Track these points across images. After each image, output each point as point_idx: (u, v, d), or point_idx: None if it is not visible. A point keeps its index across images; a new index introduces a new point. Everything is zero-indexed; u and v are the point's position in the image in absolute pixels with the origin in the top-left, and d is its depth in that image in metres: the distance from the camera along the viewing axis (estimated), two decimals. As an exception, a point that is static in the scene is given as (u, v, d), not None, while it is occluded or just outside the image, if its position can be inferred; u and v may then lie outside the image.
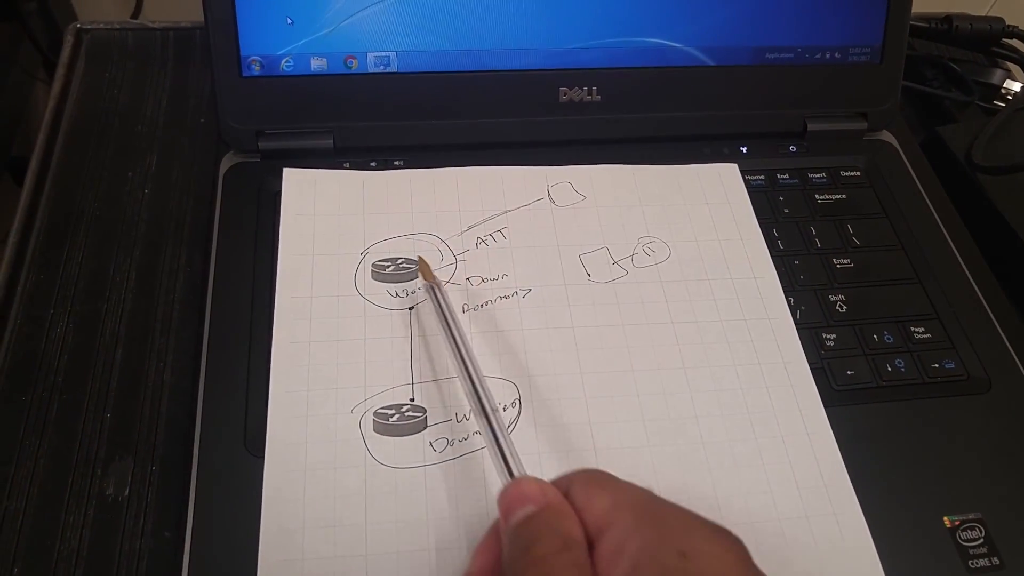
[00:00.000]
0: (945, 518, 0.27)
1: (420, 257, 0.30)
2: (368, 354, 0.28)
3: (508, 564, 0.19)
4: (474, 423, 0.27)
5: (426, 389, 0.28)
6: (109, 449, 0.29)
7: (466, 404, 0.28)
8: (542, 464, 0.27)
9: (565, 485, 0.20)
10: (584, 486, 0.19)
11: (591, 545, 0.18)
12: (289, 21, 0.33)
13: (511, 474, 0.22)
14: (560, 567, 0.18)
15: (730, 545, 0.18)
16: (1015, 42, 0.45)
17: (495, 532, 0.21)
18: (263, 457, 0.26)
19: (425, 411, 0.27)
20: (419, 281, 0.30)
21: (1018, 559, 0.27)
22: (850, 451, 0.28)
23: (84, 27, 0.43)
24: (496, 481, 0.26)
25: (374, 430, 0.27)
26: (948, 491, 0.28)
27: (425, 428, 0.27)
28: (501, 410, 0.26)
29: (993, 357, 0.32)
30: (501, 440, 0.23)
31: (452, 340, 0.26)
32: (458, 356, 0.26)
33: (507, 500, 0.20)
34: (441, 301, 0.27)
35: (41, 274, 0.33)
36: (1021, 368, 0.32)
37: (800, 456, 0.28)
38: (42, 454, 0.29)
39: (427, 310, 0.30)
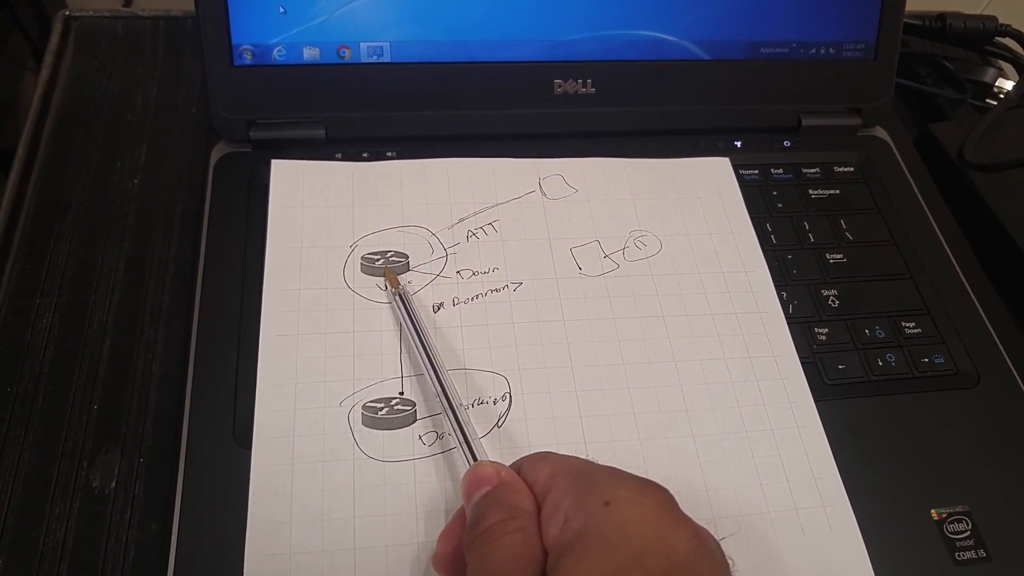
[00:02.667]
0: (933, 510, 0.28)
1: (387, 269, 0.30)
2: (357, 347, 0.28)
3: (466, 539, 0.21)
4: (464, 417, 0.27)
5: (416, 383, 0.28)
6: (96, 441, 0.29)
7: (456, 397, 0.28)
8: (532, 457, 0.27)
9: (518, 465, 0.22)
10: (531, 462, 0.22)
11: (540, 511, 0.20)
12: (282, 10, 0.33)
13: (476, 458, 0.24)
14: (505, 532, 0.19)
15: (652, 492, 0.20)
16: (1008, 41, 0.45)
17: (459, 516, 0.22)
18: (251, 449, 0.26)
19: (414, 404, 0.27)
20: (407, 275, 0.30)
21: (1004, 551, 0.27)
22: (841, 444, 0.28)
23: (73, 15, 0.42)
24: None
25: (363, 423, 0.27)
26: (936, 484, 0.28)
27: (414, 421, 0.27)
28: (465, 405, 0.27)
29: (982, 352, 0.32)
30: (465, 430, 0.25)
31: (417, 340, 0.27)
32: (422, 354, 0.27)
33: (467, 483, 0.22)
34: (405, 307, 0.28)
35: (27, 264, 0.33)
36: (1009, 363, 0.32)
37: (790, 449, 0.28)
38: (27, 446, 0.28)
39: (416, 303, 0.30)
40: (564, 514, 0.19)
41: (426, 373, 0.27)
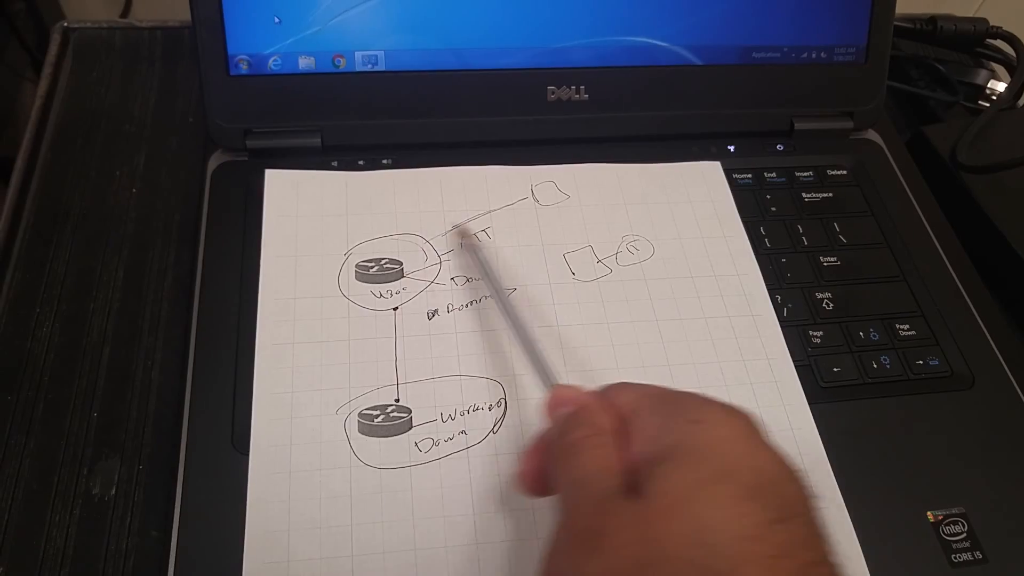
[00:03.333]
0: (928, 513, 0.28)
1: (460, 228, 0.32)
2: (352, 355, 0.28)
3: (551, 456, 0.21)
4: (459, 423, 0.27)
5: (411, 389, 0.28)
6: (96, 448, 0.29)
7: (451, 403, 0.28)
8: (528, 462, 0.27)
9: (599, 391, 0.23)
10: (614, 388, 0.22)
11: (622, 433, 0.21)
12: (277, 20, 0.33)
13: (553, 382, 0.25)
14: (587, 446, 0.20)
15: (740, 415, 0.20)
16: (999, 43, 0.46)
17: (542, 438, 0.23)
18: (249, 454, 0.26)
19: (410, 411, 0.27)
20: (401, 282, 0.30)
21: (1000, 553, 0.27)
22: (836, 447, 0.28)
23: (71, 26, 0.42)
24: (481, 480, 0.26)
25: (359, 431, 0.27)
26: (931, 486, 0.28)
27: (410, 428, 0.27)
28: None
29: (976, 354, 0.32)
30: (539, 357, 0.26)
31: (489, 278, 0.29)
32: (498, 296, 0.29)
33: (548, 404, 0.23)
34: (478, 256, 0.30)
35: (28, 273, 0.33)
36: (1004, 364, 0.32)
37: (785, 450, 0.28)
38: (28, 453, 0.29)
39: (411, 310, 0.30)
40: (651, 432, 0.20)
41: (499, 308, 0.29)
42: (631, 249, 0.33)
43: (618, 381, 0.23)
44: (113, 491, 0.28)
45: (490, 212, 0.33)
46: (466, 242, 0.31)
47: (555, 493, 0.21)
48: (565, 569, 0.18)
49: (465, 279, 0.31)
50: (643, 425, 0.20)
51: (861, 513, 0.27)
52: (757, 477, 0.18)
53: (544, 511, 0.26)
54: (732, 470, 0.18)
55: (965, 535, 0.27)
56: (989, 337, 0.33)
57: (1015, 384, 0.31)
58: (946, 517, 0.28)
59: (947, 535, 0.27)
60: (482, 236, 0.32)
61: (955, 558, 0.27)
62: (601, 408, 0.21)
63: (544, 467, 0.22)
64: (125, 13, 0.55)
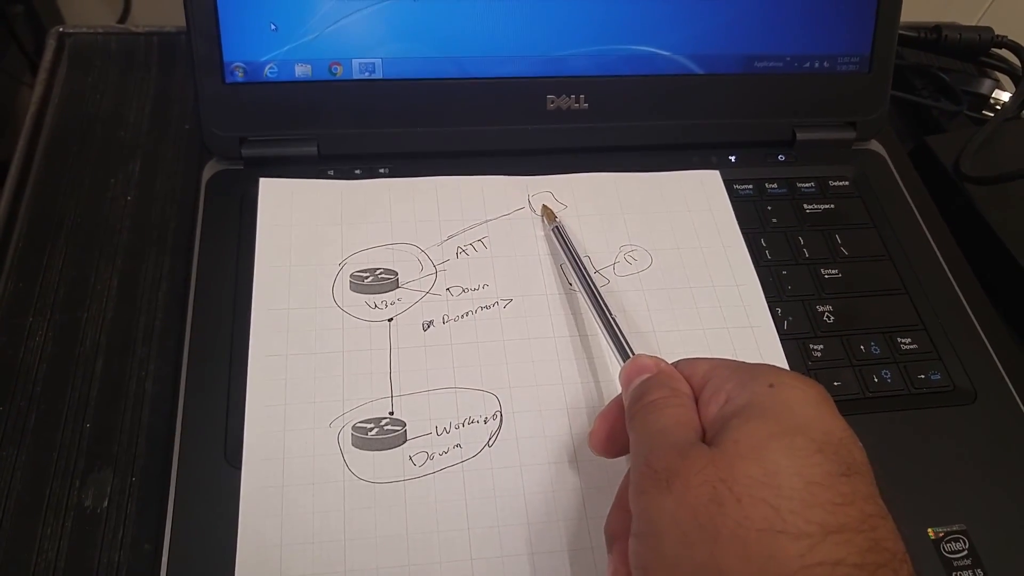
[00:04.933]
0: (929, 529, 0.27)
1: (544, 206, 0.33)
2: (346, 367, 0.28)
3: (627, 414, 0.23)
4: (454, 436, 0.27)
5: (406, 402, 0.28)
6: (88, 460, 0.29)
7: (446, 417, 0.27)
8: (523, 476, 0.27)
9: (673, 364, 0.24)
10: (688, 360, 0.23)
11: (696, 399, 0.22)
12: (273, 27, 0.33)
13: (629, 353, 0.26)
14: (666, 406, 0.21)
15: (813, 383, 0.21)
16: (1004, 52, 0.45)
17: (616, 402, 0.25)
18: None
19: (404, 425, 0.27)
20: (396, 292, 0.30)
21: (1001, 571, 0.27)
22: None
23: (67, 31, 0.42)
24: (476, 494, 0.26)
25: (352, 444, 0.27)
26: (932, 502, 0.28)
27: (404, 442, 0.27)
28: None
29: (979, 368, 0.32)
30: (617, 331, 0.27)
31: (576, 265, 0.30)
32: (582, 278, 0.30)
33: (627, 371, 0.24)
34: (563, 239, 0.31)
35: (20, 282, 0.33)
36: (1007, 379, 0.32)
37: None
38: (19, 465, 0.28)
39: (406, 321, 0.30)
40: (726, 394, 0.21)
41: (577, 286, 0.30)
42: (629, 259, 0.32)
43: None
44: (105, 503, 0.28)
45: (486, 222, 0.33)
46: (551, 224, 0.32)
47: (623, 455, 0.23)
48: (644, 506, 0.19)
49: (461, 289, 0.31)
50: (719, 388, 0.21)
51: (861, 531, 0.26)
52: (827, 436, 0.19)
53: (538, 526, 0.26)
54: (803, 427, 0.19)
55: (966, 552, 0.27)
56: (992, 351, 0.32)
57: (1018, 399, 0.31)
58: (947, 534, 0.27)
59: (948, 552, 0.27)
60: (479, 246, 0.32)
61: (956, 576, 0.26)
62: (677, 375, 0.23)
63: (615, 428, 0.24)
64: (123, 18, 0.55)
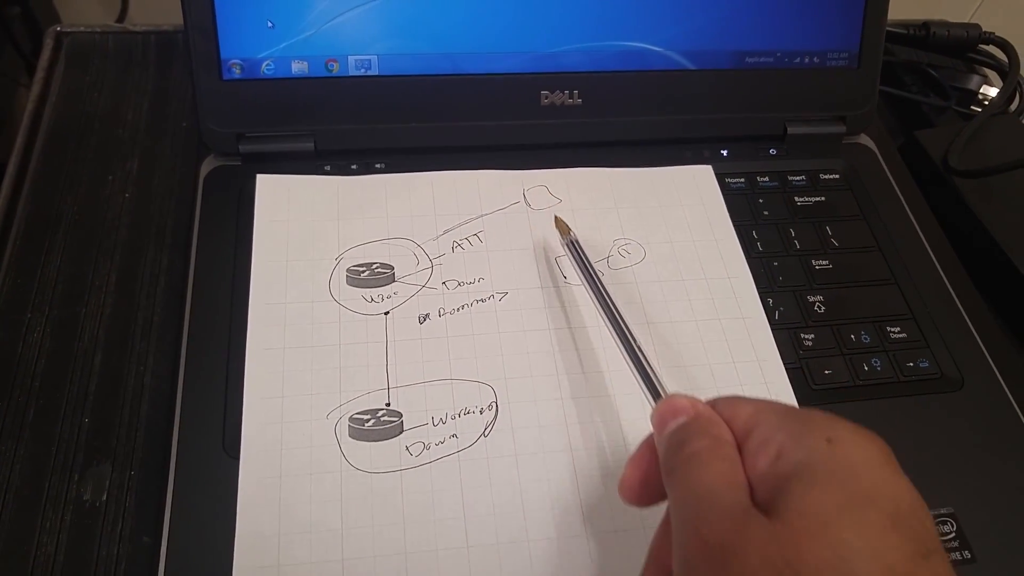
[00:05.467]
0: (918, 515, 0.28)
1: (557, 217, 0.31)
2: (343, 359, 0.28)
3: (664, 465, 0.20)
4: (450, 427, 0.27)
5: (402, 394, 0.28)
6: (87, 454, 0.29)
7: (442, 408, 0.28)
8: (519, 465, 0.27)
9: (710, 403, 0.22)
10: (727, 401, 0.21)
11: (739, 447, 0.20)
12: (270, 24, 0.33)
13: (662, 393, 0.24)
14: (711, 459, 0.19)
15: (873, 438, 0.19)
16: (991, 48, 0.46)
17: (648, 445, 0.22)
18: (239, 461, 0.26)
19: (401, 416, 0.27)
20: (392, 286, 0.30)
21: (989, 553, 0.27)
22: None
23: (64, 30, 0.42)
24: (472, 483, 0.26)
25: (350, 435, 0.27)
26: (921, 487, 0.27)
27: (401, 433, 0.27)
28: (638, 346, 0.26)
29: (966, 356, 0.32)
30: (647, 368, 0.25)
31: (592, 283, 0.28)
32: (598, 297, 0.28)
33: (660, 414, 0.21)
34: (579, 253, 0.30)
35: (19, 278, 0.33)
36: (993, 366, 0.32)
37: None
38: (18, 459, 0.29)
39: (402, 314, 0.30)
40: (777, 448, 0.19)
41: (602, 316, 0.28)
42: (622, 253, 0.33)
43: (725, 396, 0.21)
44: (104, 497, 0.28)
45: (482, 216, 0.33)
46: (565, 239, 0.30)
47: (658, 503, 0.21)
48: None
49: (457, 283, 0.31)
50: (768, 439, 0.19)
51: (852, 516, 0.27)
52: (897, 506, 0.17)
53: (534, 514, 0.26)
54: (873, 496, 0.17)
55: (954, 535, 0.27)
56: (979, 339, 0.33)
57: (1004, 385, 0.32)
58: (935, 517, 0.28)
59: (937, 537, 0.27)
60: (474, 240, 0.32)
61: (945, 560, 0.27)
62: (717, 419, 0.20)
63: (649, 475, 0.21)
64: (121, 17, 0.55)
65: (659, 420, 0.21)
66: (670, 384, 0.29)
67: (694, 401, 0.21)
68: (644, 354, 0.25)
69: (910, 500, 0.18)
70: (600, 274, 0.29)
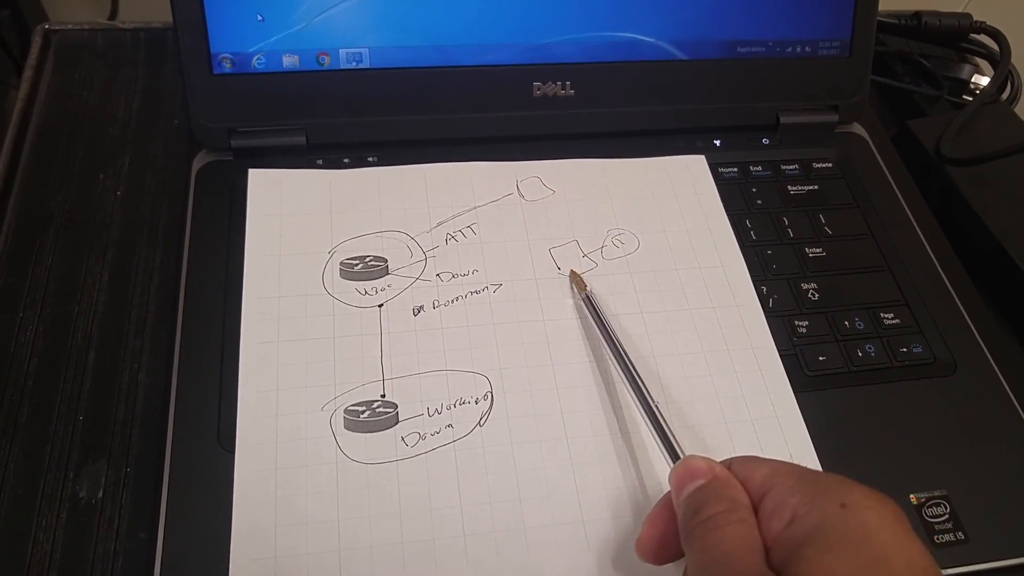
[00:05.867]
0: (912, 495, 0.28)
1: (573, 272, 0.31)
2: (337, 352, 0.28)
3: (683, 527, 0.21)
4: (446, 417, 0.27)
5: (397, 385, 0.28)
6: (82, 452, 0.29)
7: (438, 398, 0.28)
8: (515, 455, 0.27)
9: (726, 463, 0.22)
10: (742, 461, 0.22)
11: (755, 508, 0.20)
12: (260, 18, 0.33)
13: (680, 453, 0.24)
14: (727, 523, 0.20)
15: (887, 501, 0.19)
16: (983, 37, 0.46)
17: (666, 504, 0.23)
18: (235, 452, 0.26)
19: (396, 407, 0.27)
20: (387, 279, 0.30)
21: (981, 534, 0.27)
22: (822, 434, 0.29)
23: (53, 28, 0.42)
24: (468, 472, 0.26)
25: (345, 427, 0.27)
26: (915, 470, 0.29)
27: (396, 423, 0.27)
28: (654, 402, 0.26)
29: (959, 341, 0.32)
30: (665, 428, 0.25)
31: (609, 340, 0.28)
32: (615, 355, 0.28)
33: (678, 476, 0.22)
34: (595, 310, 0.29)
35: (10, 277, 0.33)
36: (986, 351, 0.32)
37: (770, 439, 0.28)
38: (13, 458, 0.28)
39: (396, 307, 0.30)
40: (791, 511, 0.19)
41: (619, 373, 0.28)
42: (616, 243, 0.33)
43: (746, 455, 0.22)
44: (100, 494, 0.28)
45: (475, 208, 0.33)
46: (581, 293, 0.30)
47: (675, 560, 0.22)
48: None
49: (451, 275, 0.31)
50: (782, 501, 0.20)
51: (848, 500, 0.27)
52: (910, 570, 0.18)
53: (529, 501, 0.26)
54: (885, 559, 0.18)
55: (947, 517, 0.28)
56: (971, 324, 0.33)
57: (996, 370, 0.32)
58: (928, 499, 0.28)
59: (930, 517, 0.28)
60: (468, 232, 0.32)
61: (937, 539, 0.27)
62: (733, 481, 0.21)
63: (666, 535, 0.22)
64: (113, 15, 0.55)
65: (677, 482, 0.22)
66: (666, 376, 0.29)
67: (711, 463, 0.22)
68: (662, 414, 0.26)
69: (923, 564, 0.18)
70: (614, 331, 0.29)
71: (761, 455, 0.28)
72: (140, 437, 0.29)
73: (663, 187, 0.35)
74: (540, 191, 0.34)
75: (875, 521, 0.18)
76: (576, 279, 0.31)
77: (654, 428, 0.25)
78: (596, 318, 0.29)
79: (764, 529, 0.20)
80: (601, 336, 0.29)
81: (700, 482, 0.21)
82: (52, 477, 0.28)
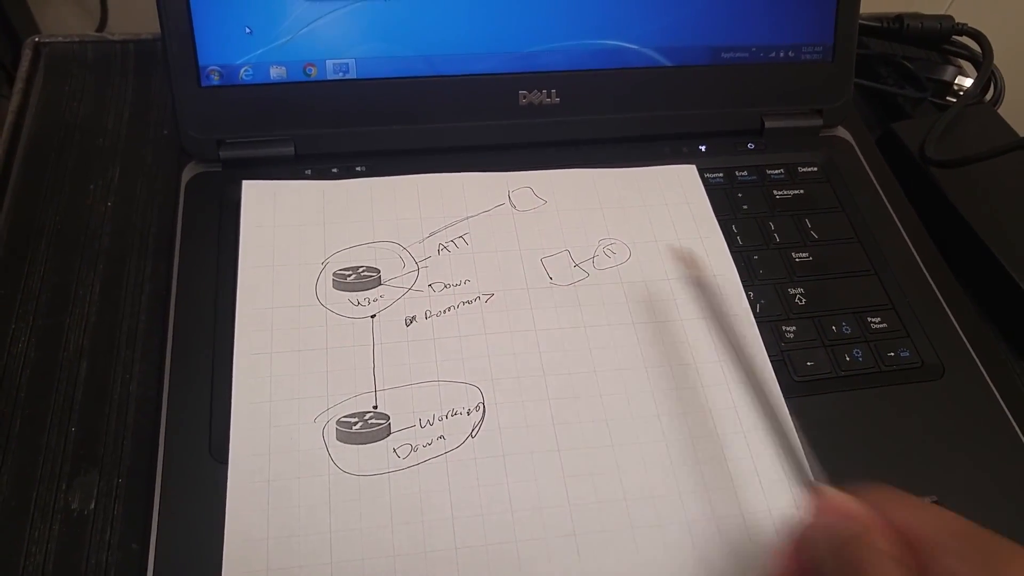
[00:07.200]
0: (900, 501, 0.28)
1: (680, 251, 0.29)
2: (330, 363, 0.28)
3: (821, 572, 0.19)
4: (438, 428, 0.28)
5: (389, 396, 0.28)
6: (74, 463, 0.29)
7: (430, 409, 0.28)
8: (506, 465, 0.27)
9: (868, 499, 0.20)
10: (897, 502, 0.20)
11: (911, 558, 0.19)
12: (247, 30, 0.33)
13: (808, 478, 0.22)
14: None
15: None
16: (965, 39, 0.46)
17: (797, 545, 0.21)
18: (228, 463, 0.26)
19: (388, 418, 0.28)
20: (379, 289, 0.30)
21: (970, 540, 0.27)
22: (811, 440, 0.29)
23: (43, 40, 0.42)
24: (460, 484, 0.26)
25: (337, 439, 0.27)
26: (904, 474, 0.29)
27: (388, 435, 0.27)
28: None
29: (946, 344, 0.33)
30: (796, 446, 0.23)
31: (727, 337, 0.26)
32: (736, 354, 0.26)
33: (823, 511, 0.20)
34: (707, 294, 0.27)
35: (2, 288, 0.33)
36: (973, 354, 0.33)
37: (763, 450, 0.28)
38: (5, 470, 0.29)
39: (389, 317, 0.30)
40: None
41: (741, 374, 0.26)
42: (608, 253, 0.33)
43: (879, 485, 0.20)
44: (92, 505, 0.28)
45: (467, 218, 0.33)
46: (692, 273, 0.28)
47: None
48: None
49: (443, 285, 0.31)
50: (948, 568, 0.18)
51: (836, 504, 0.27)
52: None
53: (521, 513, 0.26)
54: None
55: (938, 522, 0.28)
56: (958, 328, 0.33)
57: (984, 373, 0.32)
58: (919, 506, 0.28)
59: (920, 523, 0.28)
60: (460, 242, 0.32)
61: (927, 545, 0.27)
62: (891, 535, 0.19)
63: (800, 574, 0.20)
64: (101, 26, 0.55)
65: (815, 515, 0.20)
66: (659, 384, 0.29)
67: (856, 505, 0.20)
68: (791, 429, 0.23)
69: None
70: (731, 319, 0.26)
71: (754, 469, 0.27)
72: (132, 448, 0.29)
73: (654, 196, 0.35)
74: (532, 201, 0.34)
75: None
76: (687, 258, 0.28)
77: (780, 444, 0.23)
78: (707, 304, 0.26)
79: None
80: (717, 329, 0.26)
81: (855, 527, 0.19)
82: (44, 488, 0.28)
